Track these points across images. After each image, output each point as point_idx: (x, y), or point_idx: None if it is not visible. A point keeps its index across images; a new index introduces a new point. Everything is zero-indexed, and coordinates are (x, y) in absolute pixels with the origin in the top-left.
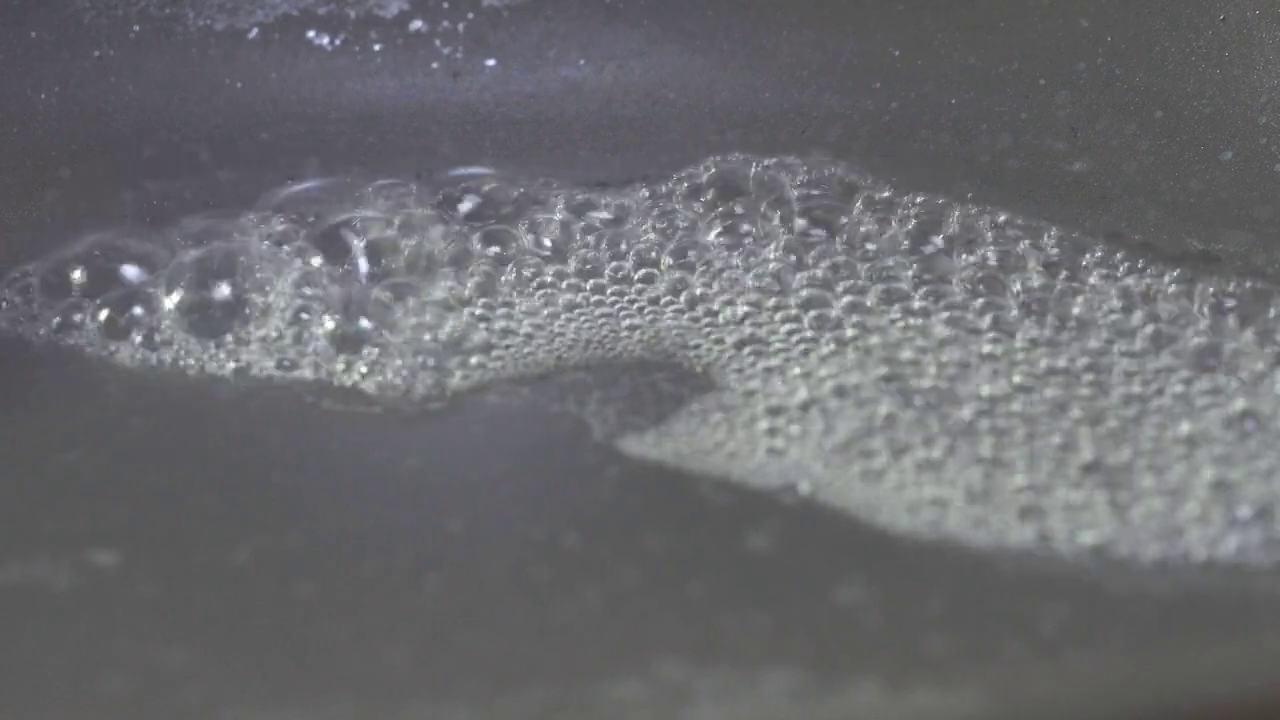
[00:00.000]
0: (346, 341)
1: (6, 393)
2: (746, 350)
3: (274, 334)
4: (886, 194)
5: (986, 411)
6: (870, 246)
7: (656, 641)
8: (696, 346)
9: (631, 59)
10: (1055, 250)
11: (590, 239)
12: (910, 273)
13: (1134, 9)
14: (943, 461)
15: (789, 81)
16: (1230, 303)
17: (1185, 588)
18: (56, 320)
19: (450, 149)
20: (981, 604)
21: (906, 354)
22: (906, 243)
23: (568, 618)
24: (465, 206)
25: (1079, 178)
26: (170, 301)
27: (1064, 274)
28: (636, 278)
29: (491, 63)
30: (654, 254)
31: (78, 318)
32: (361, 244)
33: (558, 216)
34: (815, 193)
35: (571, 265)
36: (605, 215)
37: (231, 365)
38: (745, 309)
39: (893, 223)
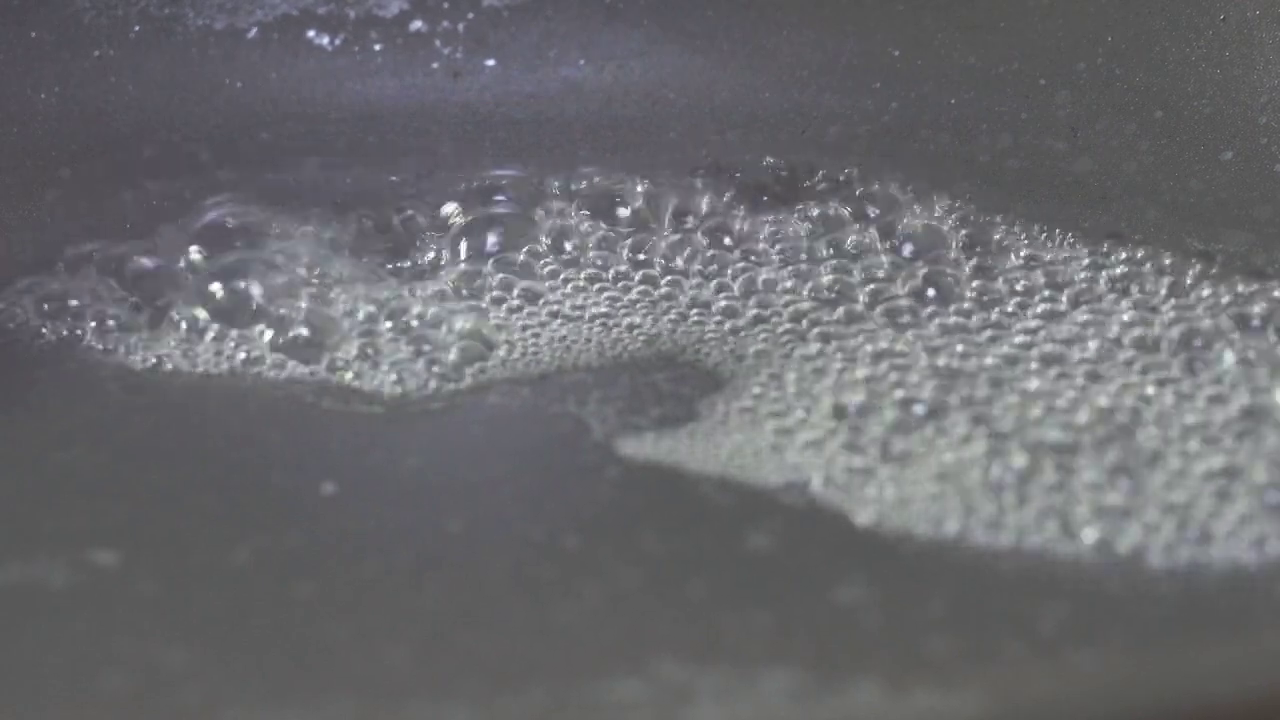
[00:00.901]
0: (346, 340)
1: (6, 393)
2: (747, 350)
3: (274, 334)
4: (892, 194)
5: (986, 411)
6: (871, 248)
7: (656, 641)
8: (697, 347)
9: (631, 59)
10: (1052, 249)
11: (590, 239)
12: (915, 275)
13: (1134, 9)
14: (942, 461)
15: (789, 81)
16: (1232, 302)
17: (1185, 588)
18: (58, 320)
19: (450, 149)
20: (981, 604)
21: (907, 354)
22: (909, 245)
23: (568, 618)
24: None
25: (1079, 178)
26: (171, 301)
27: (1064, 272)
28: (637, 278)
29: (491, 63)
30: (654, 253)
31: (78, 317)
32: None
33: (558, 216)
34: (815, 192)
35: (572, 265)
36: (606, 215)
37: (231, 365)
38: (747, 309)
39: (895, 225)
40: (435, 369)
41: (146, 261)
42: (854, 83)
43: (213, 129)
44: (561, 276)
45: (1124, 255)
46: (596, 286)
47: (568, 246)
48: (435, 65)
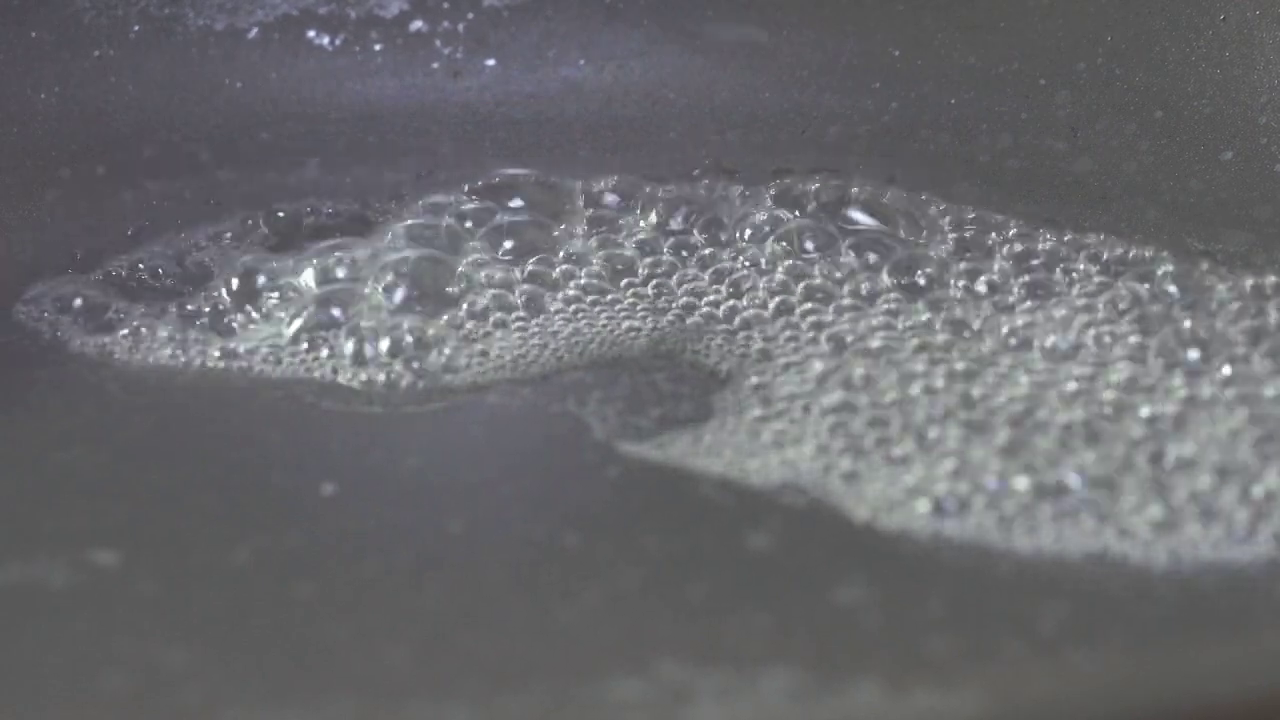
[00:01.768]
0: (346, 340)
1: (6, 393)
2: (747, 350)
3: (273, 334)
4: (885, 200)
5: (988, 412)
6: (872, 250)
7: (656, 641)
8: (698, 347)
9: (631, 59)
10: (1056, 249)
11: (591, 238)
12: (915, 275)
13: (1134, 9)
14: (943, 461)
15: (789, 81)
16: (1230, 303)
17: (1185, 588)
18: (58, 320)
19: (450, 149)
20: (981, 604)
21: (907, 355)
22: (910, 246)
23: (568, 618)
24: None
25: (1079, 178)
26: (171, 300)
27: (1068, 273)
28: (637, 277)
29: (491, 63)
30: (654, 254)
31: (79, 317)
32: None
33: (558, 215)
34: (814, 190)
35: (571, 265)
36: (605, 215)
37: (231, 365)
38: (747, 309)
39: (895, 225)
40: (435, 367)
41: (148, 262)
42: (854, 83)
43: (213, 129)
44: (561, 278)
45: (1120, 254)
46: (596, 287)
47: (568, 246)
48: (435, 65)
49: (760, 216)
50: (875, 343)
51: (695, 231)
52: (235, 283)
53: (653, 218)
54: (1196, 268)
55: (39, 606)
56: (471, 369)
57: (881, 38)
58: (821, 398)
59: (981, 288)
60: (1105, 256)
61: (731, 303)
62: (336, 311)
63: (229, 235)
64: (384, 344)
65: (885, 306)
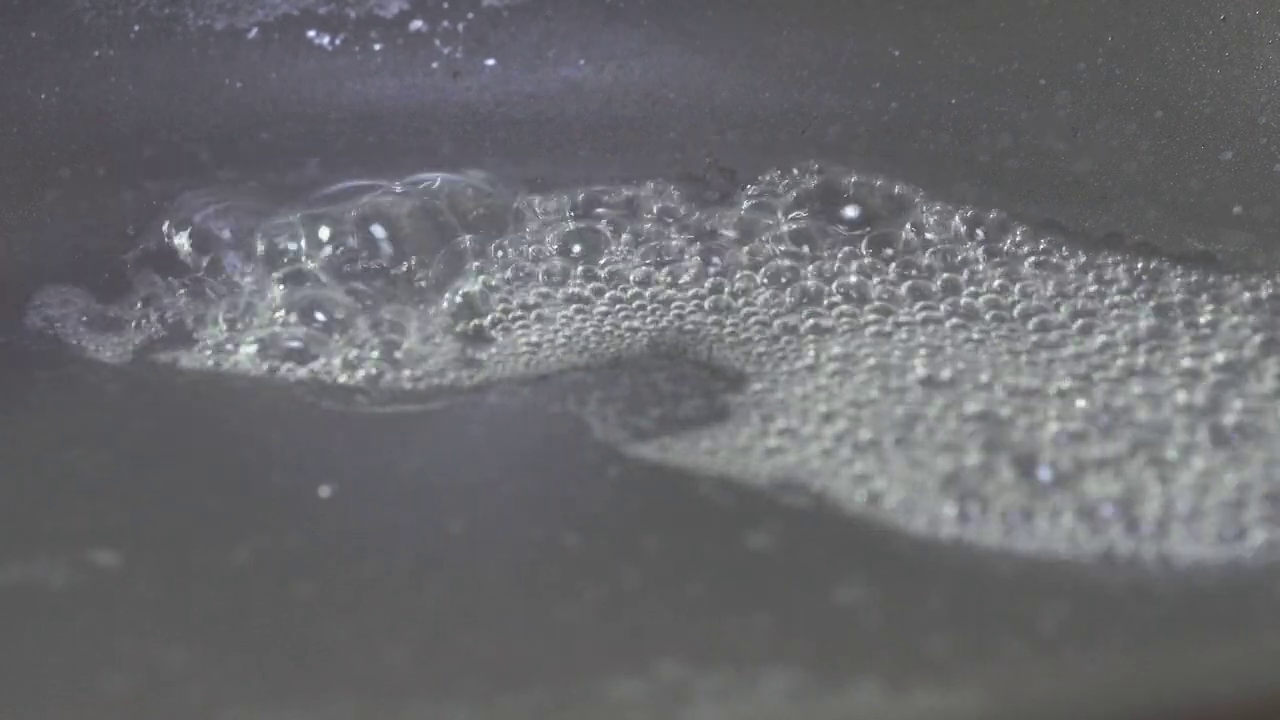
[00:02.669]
0: (347, 339)
1: (7, 393)
2: (747, 350)
3: (273, 333)
4: (878, 200)
5: (989, 412)
6: (870, 249)
7: (656, 641)
8: (698, 347)
9: (631, 59)
10: (1051, 248)
11: (590, 238)
12: (915, 275)
13: (1134, 9)
14: (942, 462)
15: (789, 81)
16: (1232, 301)
17: (1185, 588)
18: (58, 320)
19: (450, 149)
20: (981, 604)
21: (907, 356)
22: (909, 246)
23: (568, 618)
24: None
25: (1079, 178)
26: (171, 300)
27: (1065, 272)
28: (638, 277)
29: (491, 63)
30: (654, 253)
31: (80, 318)
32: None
33: (558, 216)
34: (813, 190)
35: (572, 265)
36: (605, 214)
37: (231, 365)
38: (747, 310)
39: (895, 225)
40: (437, 366)
41: (148, 262)
42: (854, 83)
43: (213, 129)
44: (561, 276)
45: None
46: (597, 286)
47: (568, 246)
48: (435, 65)
49: (760, 216)
50: (876, 343)
51: (695, 232)
52: (236, 282)
53: (653, 217)
54: (1200, 269)
55: (39, 606)
56: (472, 369)
57: (881, 38)
58: (822, 398)
59: (981, 288)
60: (1107, 257)
61: (732, 303)
62: (337, 312)
63: (229, 235)
64: (384, 344)
65: (885, 307)
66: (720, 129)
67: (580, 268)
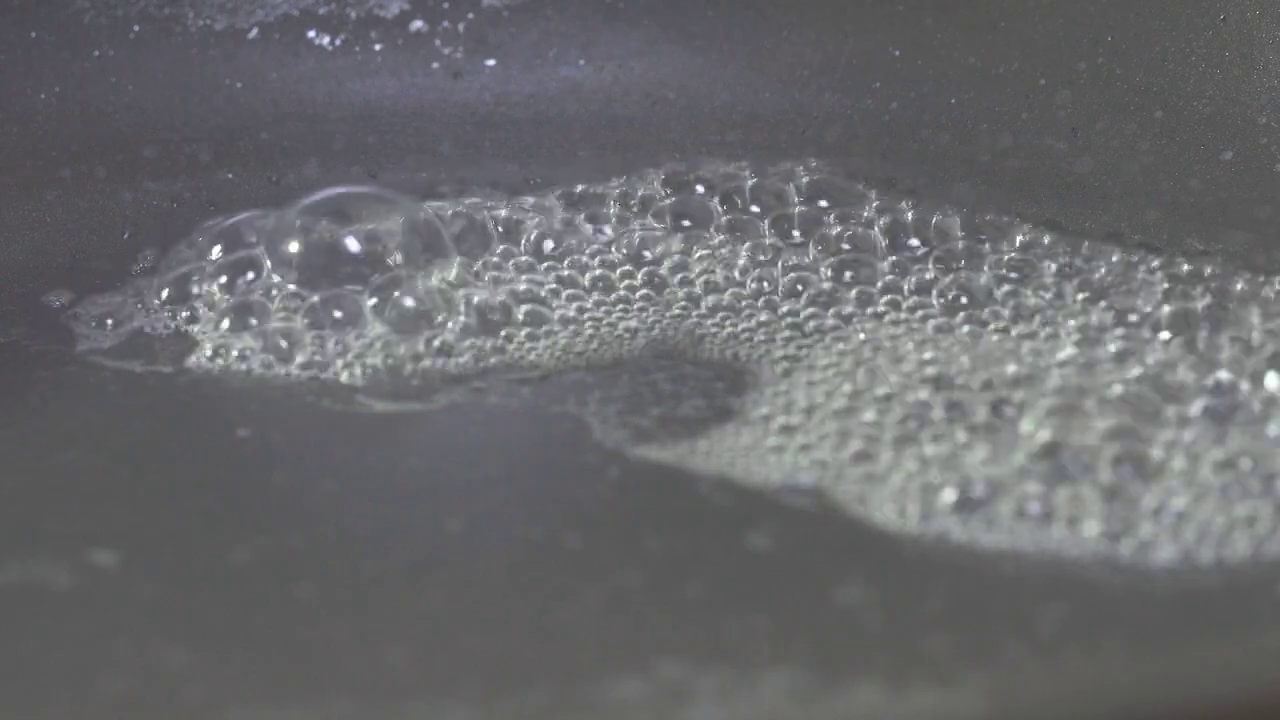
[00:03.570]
0: (348, 339)
1: (7, 393)
2: (748, 350)
3: (272, 332)
4: (876, 203)
5: (989, 413)
6: (870, 248)
7: (656, 641)
8: (698, 347)
9: (631, 59)
10: (1058, 253)
11: (590, 238)
12: (915, 275)
13: (1134, 9)
14: (942, 462)
15: (789, 81)
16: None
17: (1185, 588)
18: (59, 320)
19: (450, 149)
20: (981, 604)
21: (907, 355)
22: (909, 246)
23: (568, 618)
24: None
25: (1079, 178)
26: (171, 300)
27: (1064, 273)
28: (637, 278)
29: (491, 63)
30: (654, 253)
31: (79, 318)
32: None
33: (558, 215)
34: (812, 191)
35: (572, 265)
36: (606, 214)
37: (231, 365)
38: (747, 309)
39: (896, 228)
40: (433, 366)
41: (147, 262)
42: (854, 83)
43: (213, 129)
44: (561, 276)
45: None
46: (597, 286)
47: (568, 246)
48: (435, 65)
49: (759, 217)
50: (876, 343)
51: (694, 230)
52: (235, 283)
53: (654, 217)
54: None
55: (39, 607)
56: (472, 369)
57: (881, 38)
58: (823, 398)
59: (981, 288)
60: (1111, 260)
61: (732, 303)
62: (337, 312)
63: (229, 235)
64: (383, 344)
65: (886, 306)
66: (720, 129)
67: (580, 268)
